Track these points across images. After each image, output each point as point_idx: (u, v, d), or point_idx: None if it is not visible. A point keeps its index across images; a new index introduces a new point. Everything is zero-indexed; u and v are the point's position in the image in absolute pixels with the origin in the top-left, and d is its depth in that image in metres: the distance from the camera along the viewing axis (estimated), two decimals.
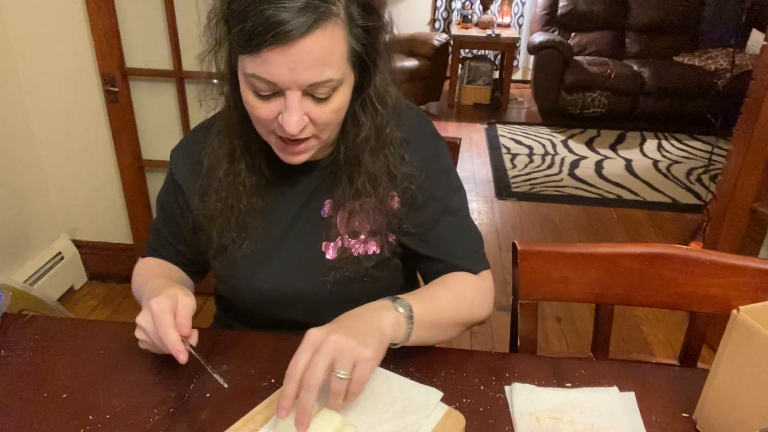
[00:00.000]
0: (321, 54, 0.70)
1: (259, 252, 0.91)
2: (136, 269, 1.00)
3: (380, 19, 0.77)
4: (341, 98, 0.76)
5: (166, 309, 0.74)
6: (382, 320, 0.73)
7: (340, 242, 0.90)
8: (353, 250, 0.90)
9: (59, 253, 2.30)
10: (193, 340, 0.79)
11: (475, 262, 0.93)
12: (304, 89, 0.72)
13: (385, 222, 0.90)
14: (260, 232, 0.90)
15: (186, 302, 0.77)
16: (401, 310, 0.76)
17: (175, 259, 1.01)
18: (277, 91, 0.73)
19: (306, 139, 0.78)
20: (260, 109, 0.75)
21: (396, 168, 0.86)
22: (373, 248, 0.91)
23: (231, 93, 0.82)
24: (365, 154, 0.84)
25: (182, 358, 0.73)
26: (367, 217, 0.89)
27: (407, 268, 1.00)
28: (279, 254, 0.92)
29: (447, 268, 0.92)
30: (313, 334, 0.68)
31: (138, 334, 0.78)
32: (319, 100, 0.74)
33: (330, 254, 0.90)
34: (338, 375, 0.66)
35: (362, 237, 0.90)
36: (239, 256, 0.91)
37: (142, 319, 0.76)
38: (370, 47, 0.77)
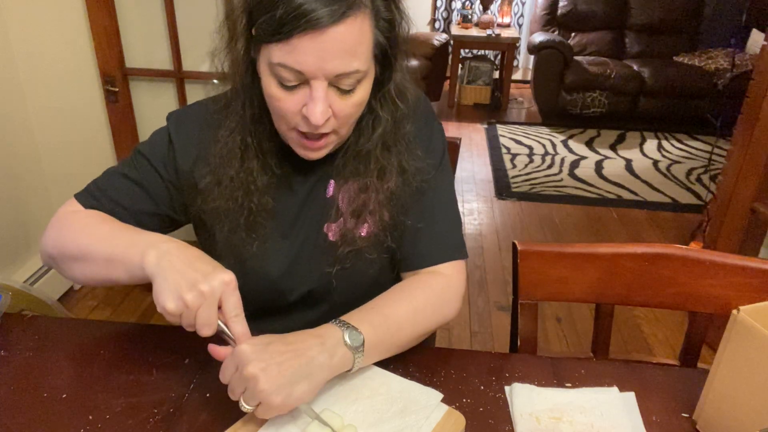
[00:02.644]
0: (350, 44, 0.70)
1: (268, 249, 0.90)
2: (79, 218, 0.86)
3: (402, 13, 0.78)
4: (363, 92, 0.77)
5: (215, 301, 0.69)
6: (324, 362, 0.70)
7: (342, 223, 0.89)
8: (353, 232, 0.89)
9: None
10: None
11: (447, 253, 0.91)
12: (330, 80, 0.72)
13: (385, 202, 0.88)
14: (269, 230, 0.89)
15: (235, 299, 0.71)
16: (349, 341, 0.73)
17: (125, 202, 0.89)
18: (302, 82, 0.72)
19: (326, 134, 0.78)
20: (284, 101, 0.74)
21: (408, 163, 0.87)
22: (372, 228, 0.90)
23: (247, 89, 0.80)
24: (378, 148, 0.84)
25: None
26: (367, 196, 0.88)
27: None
28: (288, 245, 0.91)
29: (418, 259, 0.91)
30: (242, 353, 0.67)
31: (168, 307, 0.68)
32: (343, 92, 0.74)
33: (332, 236, 0.90)
34: (243, 405, 0.68)
35: (362, 217, 0.89)
36: (248, 256, 0.89)
37: (189, 294, 0.67)
38: (392, 41, 0.77)
